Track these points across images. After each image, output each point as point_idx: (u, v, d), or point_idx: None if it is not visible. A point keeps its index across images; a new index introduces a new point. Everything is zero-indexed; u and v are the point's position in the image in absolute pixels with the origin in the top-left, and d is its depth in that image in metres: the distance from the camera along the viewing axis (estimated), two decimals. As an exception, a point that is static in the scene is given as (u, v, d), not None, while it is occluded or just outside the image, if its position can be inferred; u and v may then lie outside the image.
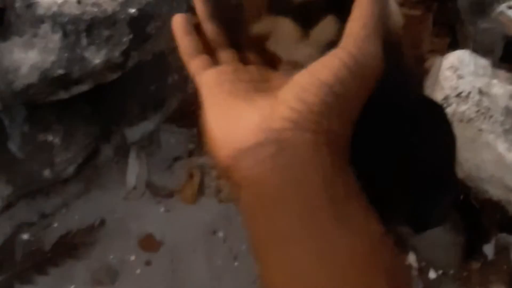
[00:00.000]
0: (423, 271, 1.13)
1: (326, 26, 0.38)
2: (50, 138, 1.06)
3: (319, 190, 0.31)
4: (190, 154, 1.27)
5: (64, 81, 1.02)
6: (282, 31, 0.38)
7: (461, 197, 1.16)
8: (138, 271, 1.08)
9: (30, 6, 1.01)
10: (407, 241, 1.15)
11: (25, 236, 1.08)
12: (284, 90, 0.33)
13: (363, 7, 0.35)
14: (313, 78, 0.32)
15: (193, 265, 1.09)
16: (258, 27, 0.37)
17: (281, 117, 0.32)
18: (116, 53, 1.06)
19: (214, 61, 0.39)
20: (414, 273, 1.13)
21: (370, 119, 0.35)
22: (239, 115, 0.33)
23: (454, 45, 1.42)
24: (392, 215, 0.95)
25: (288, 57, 0.39)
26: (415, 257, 1.15)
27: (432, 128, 0.79)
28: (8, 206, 1.06)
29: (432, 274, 1.14)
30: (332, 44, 0.36)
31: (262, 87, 0.36)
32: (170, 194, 1.20)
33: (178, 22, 0.40)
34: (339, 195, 0.31)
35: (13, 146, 1.00)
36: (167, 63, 1.26)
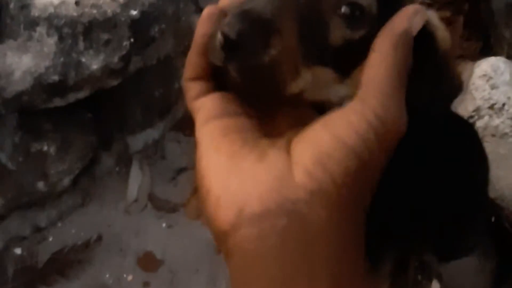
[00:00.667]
0: (447, 301, 1.03)
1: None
2: (44, 147, 0.99)
3: (322, 271, 0.27)
4: (196, 165, 1.19)
5: (59, 88, 0.95)
6: (320, 80, 0.34)
7: (493, 219, 1.06)
8: (135, 292, 1.00)
9: (24, 7, 0.95)
10: (431, 267, 1.05)
11: (17, 251, 1.02)
12: (300, 148, 0.29)
13: (383, 52, 0.31)
14: (335, 139, 0.29)
15: (194, 287, 1.01)
16: (297, 85, 0.33)
17: (297, 185, 0.28)
18: (115, 58, 0.98)
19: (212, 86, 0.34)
20: (438, 303, 1.02)
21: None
22: (247, 172, 0.29)
23: (486, 51, 1.31)
24: (417, 242, 0.86)
25: (320, 97, 0.35)
26: (439, 286, 1.05)
27: (461, 149, 0.69)
28: (0, 219, 1.00)
29: (457, 304, 1.03)
30: None
31: (269, 129, 0.32)
32: (173, 209, 1.13)
33: (200, 35, 0.34)
34: (343, 275, 0.28)
35: (3, 157, 0.94)
36: (173, 67, 1.18)
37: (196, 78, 0.34)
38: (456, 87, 0.42)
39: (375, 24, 0.33)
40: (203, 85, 0.34)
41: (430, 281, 1.05)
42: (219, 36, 0.31)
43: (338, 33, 0.33)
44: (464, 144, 0.70)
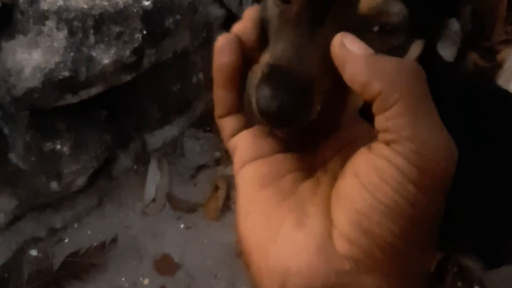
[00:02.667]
0: (490, 310, 0.93)
1: (412, 52, 0.35)
2: (57, 147, 0.96)
3: None
4: (217, 162, 1.13)
5: (71, 84, 0.91)
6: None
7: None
8: (151, 297, 0.96)
9: (34, 1, 0.91)
10: (472, 273, 0.96)
11: (33, 252, 1.00)
12: (338, 210, 0.27)
13: (401, 81, 0.26)
14: (370, 198, 0.26)
15: (213, 293, 0.95)
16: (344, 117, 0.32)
17: (340, 254, 0.26)
18: (127, 52, 0.94)
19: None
20: (479, 311, 0.93)
21: None
22: (287, 240, 0.27)
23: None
24: (458, 245, 0.78)
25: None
26: (481, 293, 0.95)
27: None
28: (15, 220, 0.98)
29: (501, 315, 0.93)
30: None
31: (310, 160, 0.30)
32: (192, 209, 1.08)
33: (221, 62, 0.32)
34: None
35: (15, 157, 0.91)
36: (191, 61, 1.12)
37: (228, 114, 0.33)
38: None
39: (411, 28, 0.32)
40: (236, 120, 0.32)
41: (471, 287, 0.95)
42: (255, 105, 0.30)
43: (373, 45, 0.30)
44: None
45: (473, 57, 1.30)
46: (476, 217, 0.65)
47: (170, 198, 1.09)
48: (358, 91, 0.27)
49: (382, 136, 0.27)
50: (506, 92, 0.72)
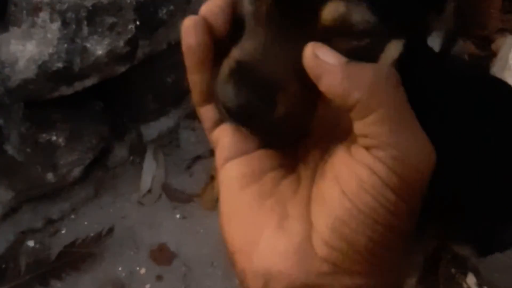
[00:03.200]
0: (483, 296, 0.95)
1: (389, 52, 0.34)
2: (53, 138, 0.96)
3: None
4: (212, 153, 1.13)
5: (65, 75, 0.92)
6: None
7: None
8: (148, 286, 0.97)
9: (27, -8, 0.91)
10: (466, 261, 0.96)
11: (30, 243, 1.01)
12: (316, 212, 0.27)
13: (379, 89, 0.26)
14: (349, 204, 0.26)
15: (209, 282, 0.96)
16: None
17: (319, 257, 0.27)
18: (121, 43, 0.94)
19: None
20: (474, 298, 0.94)
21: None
22: (268, 242, 0.28)
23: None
24: (454, 234, 0.79)
25: None
26: (476, 280, 0.96)
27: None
28: (11, 211, 0.99)
29: (495, 301, 0.95)
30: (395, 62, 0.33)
31: (290, 181, 0.30)
32: (188, 199, 1.08)
33: (188, 44, 0.30)
34: None
35: (10, 148, 0.91)
36: (186, 52, 1.13)
37: (205, 101, 0.32)
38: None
39: (381, 28, 0.31)
40: (215, 111, 0.31)
41: (465, 274, 0.96)
42: (221, 105, 0.30)
43: (340, 48, 0.29)
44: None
45: (468, 47, 1.31)
46: (470, 205, 0.66)
47: (166, 188, 1.10)
48: (335, 101, 0.27)
49: (362, 141, 0.26)
50: (498, 81, 0.72)
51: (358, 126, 0.26)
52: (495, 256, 1.00)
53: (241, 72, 0.29)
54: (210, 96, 0.31)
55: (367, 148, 0.26)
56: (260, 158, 0.30)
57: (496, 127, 0.62)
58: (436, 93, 0.51)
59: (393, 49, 0.34)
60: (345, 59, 0.27)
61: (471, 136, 0.59)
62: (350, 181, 0.26)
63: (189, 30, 0.30)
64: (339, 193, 0.26)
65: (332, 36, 0.30)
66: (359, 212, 0.26)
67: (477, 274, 0.98)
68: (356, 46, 0.31)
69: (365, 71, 0.27)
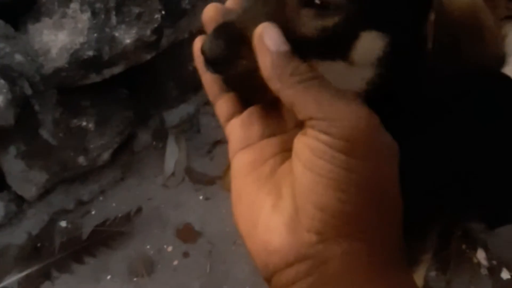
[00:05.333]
0: (494, 271, 0.99)
1: (368, 44, 0.34)
2: (83, 123, 1.01)
3: None
4: (232, 138, 1.18)
5: (95, 63, 0.97)
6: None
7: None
8: (175, 262, 1.02)
9: (58, -16, 0.96)
10: (477, 236, 1.01)
11: (63, 223, 1.06)
12: (301, 197, 0.29)
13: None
14: (312, 175, 0.29)
15: (233, 258, 1.02)
16: None
17: (306, 229, 0.29)
18: (148, 31, 0.99)
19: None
20: (484, 272, 0.99)
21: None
22: (264, 224, 0.30)
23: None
24: (464, 208, 0.82)
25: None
26: (485, 255, 1.01)
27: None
28: (45, 193, 1.04)
29: (505, 274, 0.99)
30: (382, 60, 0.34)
31: (286, 165, 0.32)
32: (210, 181, 1.13)
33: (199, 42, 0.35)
34: None
35: (45, 133, 0.97)
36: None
37: (218, 97, 0.35)
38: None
39: (350, 5, 0.32)
40: (226, 106, 0.35)
41: (475, 250, 1.01)
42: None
43: (310, 25, 0.33)
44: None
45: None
46: (479, 181, 0.69)
47: (188, 171, 1.15)
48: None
49: (307, 123, 0.29)
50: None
51: (297, 114, 0.30)
52: (504, 232, 1.04)
53: (222, 28, 0.33)
54: (221, 92, 0.36)
55: (312, 126, 0.29)
56: (262, 147, 0.33)
57: (501, 110, 0.65)
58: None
59: (371, 41, 0.34)
60: (285, 47, 0.30)
61: (480, 119, 0.62)
62: (304, 153, 0.29)
63: (199, 37, 0.35)
64: (301, 167, 0.29)
65: (303, 5, 0.33)
66: (320, 177, 0.28)
67: (486, 249, 1.02)
68: (325, 25, 0.33)
69: (291, 62, 0.30)
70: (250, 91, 0.34)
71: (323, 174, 0.28)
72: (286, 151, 0.32)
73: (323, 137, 0.28)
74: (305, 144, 0.29)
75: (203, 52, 0.33)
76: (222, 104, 0.36)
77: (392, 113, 0.32)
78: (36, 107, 0.94)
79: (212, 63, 0.33)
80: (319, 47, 0.34)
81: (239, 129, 0.34)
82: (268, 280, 0.30)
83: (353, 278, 0.28)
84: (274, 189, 0.31)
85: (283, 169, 0.32)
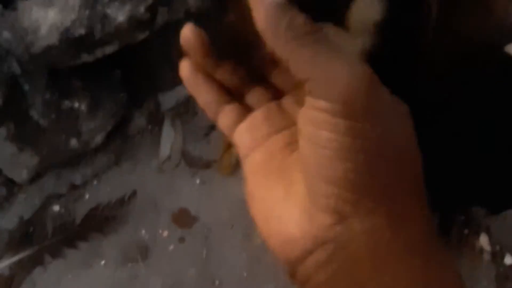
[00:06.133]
0: (497, 256, 0.97)
1: (364, 6, 0.32)
2: (75, 105, 0.98)
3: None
4: (229, 121, 1.16)
5: (87, 42, 0.93)
6: None
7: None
8: (171, 248, 1.00)
9: (47, -41, 0.92)
10: (479, 221, 0.99)
11: (55, 208, 1.04)
12: (310, 175, 0.28)
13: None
14: (317, 147, 0.27)
15: (230, 243, 0.99)
16: None
17: (321, 210, 0.27)
18: (141, 9, 0.95)
19: (240, 106, 0.35)
20: (487, 257, 0.97)
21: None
22: (279, 214, 0.29)
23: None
24: (466, 195, 0.81)
25: None
26: (488, 240, 0.99)
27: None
28: (37, 177, 1.01)
29: (508, 260, 0.98)
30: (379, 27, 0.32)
31: (296, 153, 0.31)
32: (206, 165, 1.11)
33: (185, 68, 0.37)
34: (415, 276, 0.26)
35: (35, 114, 0.94)
36: (203, 22, 1.14)
37: (218, 110, 0.35)
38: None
39: None
40: (230, 114, 0.34)
41: (478, 235, 0.99)
42: None
43: None
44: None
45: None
46: (481, 165, 0.67)
47: (184, 155, 1.12)
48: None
49: (305, 87, 0.27)
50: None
51: (293, 74, 0.27)
52: (508, 216, 1.03)
53: None
54: (220, 106, 0.35)
55: (309, 90, 0.27)
56: (269, 144, 0.32)
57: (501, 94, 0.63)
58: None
59: (368, 3, 0.32)
60: (280, 1, 0.27)
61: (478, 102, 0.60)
62: (307, 128, 0.27)
63: (184, 65, 0.35)
64: (305, 143, 0.27)
65: None
66: (324, 149, 0.26)
67: (489, 234, 1.00)
68: None
69: (283, 21, 0.27)
70: (238, 53, 0.32)
71: (327, 145, 0.26)
72: (293, 143, 0.31)
73: (321, 103, 0.26)
74: (306, 118, 0.27)
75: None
76: (223, 117, 0.35)
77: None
78: (26, 87, 0.91)
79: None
80: (313, 11, 0.30)
81: (245, 133, 0.33)
82: (294, 276, 0.28)
83: (381, 259, 0.26)
84: (284, 179, 0.30)
85: (292, 158, 0.31)
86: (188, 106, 1.18)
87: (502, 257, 0.98)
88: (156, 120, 1.16)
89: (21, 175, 0.98)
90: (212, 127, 1.16)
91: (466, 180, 0.71)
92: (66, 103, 0.97)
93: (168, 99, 1.17)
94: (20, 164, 0.97)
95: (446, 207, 0.96)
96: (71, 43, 0.92)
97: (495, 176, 0.71)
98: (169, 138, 1.14)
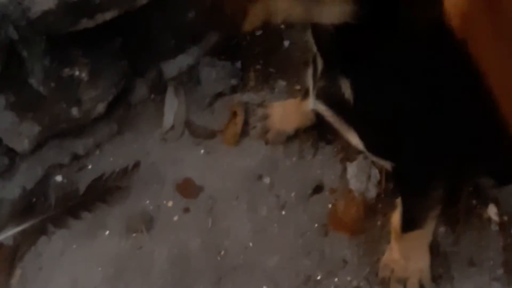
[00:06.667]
0: (505, 226, 0.96)
1: None
2: (76, 73, 0.96)
3: None
4: (233, 90, 1.13)
5: (85, 7, 0.90)
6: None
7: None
8: (175, 218, 0.99)
9: None
10: (487, 192, 0.98)
11: (58, 178, 1.03)
12: None
13: None
14: None
15: (235, 214, 0.98)
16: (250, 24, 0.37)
17: None
18: (141, -28, 0.91)
19: None
20: (495, 228, 0.96)
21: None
22: None
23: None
24: (475, 166, 0.79)
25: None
26: (496, 210, 0.98)
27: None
28: (38, 147, 1.00)
29: (516, 231, 0.96)
30: None
31: None
32: (211, 135, 1.09)
33: None
34: None
35: (35, 82, 0.91)
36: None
37: None
38: None
39: None
40: None
41: (486, 206, 0.97)
42: None
43: None
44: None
45: None
46: (489, 136, 0.66)
47: (188, 125, 1.10)
48: None
49: None
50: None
51: None
52: (516, 187, 1.01)
53: None
54: None
55: None
56: None
57: None
58: None
59: None
60: None
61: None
62: None
63: None
64: None
65: None
66: None
67: (498, 205, 0.99)
68: None
69: None
70: (220, 26, 0.36)
71: None
72: None
73: None
74: None
75: None
76: None
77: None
78: (24, 54, 0.88)
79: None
80: None
81: None
82: None
83: None
84: None
85: None
86: (191, 75, 1.15)
87: (510, 227, 0.97)
88: (158, 90, 1.13)
89: (22, 144, 0.97)
90: (216, 96, 1.13)
91: (475, 150, 0.70)
92: (66, 71, 0.95)
93: (170, 68, 1.14)
94: (21, 133, 0.95)
95: (455, 178, 0.95)
96: (69, 8, 0.88)
97: (503, 147, 0.70)
98: (172, 108, 1.12)
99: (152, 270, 0.93)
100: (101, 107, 1.01)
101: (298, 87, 1.11)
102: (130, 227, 0.97)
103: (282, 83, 1.12)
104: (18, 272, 0.94)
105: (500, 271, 0.90)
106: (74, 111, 0.97)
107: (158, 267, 0.94)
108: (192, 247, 0.95)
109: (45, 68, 0.91)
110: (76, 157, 1.04)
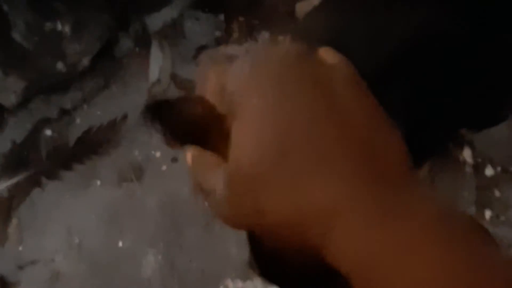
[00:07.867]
0: (479, 168, 1.01)
1: None
2: (58, 27, 0.96)
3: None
4: (217, 42, 1.14)
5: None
6: None
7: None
8: (164, 168, 1.02)
9: None
10: (463, 135, 1.02)
11: (48, 132, 1.05)
12: None
13: None
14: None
15: (221, 162, 1.02)
16: None
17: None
18: None
19: None
20: (469, 170, 1.00)
21: None
22: None
23: None
24: (452, 110, 0.82)
25: None
26: (471, 153, 1.02)
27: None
28: (26, 102, 1.01)
29: (489, 171, 1.01)
30: None
31: None
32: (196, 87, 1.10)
33: None
34: None
35: (18, 36, 0.92)
36: None
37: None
38: None
39: None
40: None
41: (461, 148, 1.02)
42: None
43: None
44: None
45: None
46: (467, 83, 0.68)
47: (174, 77, 1.12)
48: None
49: None
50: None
51: None
52: (492, 131, 1.05)
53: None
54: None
55: None
56: None
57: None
58: None
59: None
60: None
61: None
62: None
63: None
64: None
65: None
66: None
67: (473, 148, 1.03)
68: None
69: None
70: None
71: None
72: None
73: None
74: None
75: None
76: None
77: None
78: (5, 8, 0.88)
79: None
80: None
81: None
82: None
83: None
84: None
85: None
86: (175, 28, 1.16)
87: (483, 168, 1.01)
88: (143, 43, 1.14)
89: (9, 99, 0.98)
90: (201, 48, 1.14)
91: (449, 100, 0.72)
92: (49, 25, 0.95)
93: (155, 21, 1.14)
94: (7, 88, 0.96)
95: (430, 130, 0.98)
96: (48, -41, 0.88)
97: (477, 94, 0.72)
98: (158, 61, 1.13)
99: (145, 216, 0.98)
100: (86, 61, 1.02)
101: (281, 37, 1.12)
102: (121, 176, 1.01)
103: (265, 34, 1.13)
104: (14, 221, 0.98)
105: (472, 209, 0.96)
106: (60, 66, 0.99)
107: (150, 213, 0.98)
108: (181, 194, 0.99)
109: (27, 22, 0.92)
110: (64, 112, 1.06)
